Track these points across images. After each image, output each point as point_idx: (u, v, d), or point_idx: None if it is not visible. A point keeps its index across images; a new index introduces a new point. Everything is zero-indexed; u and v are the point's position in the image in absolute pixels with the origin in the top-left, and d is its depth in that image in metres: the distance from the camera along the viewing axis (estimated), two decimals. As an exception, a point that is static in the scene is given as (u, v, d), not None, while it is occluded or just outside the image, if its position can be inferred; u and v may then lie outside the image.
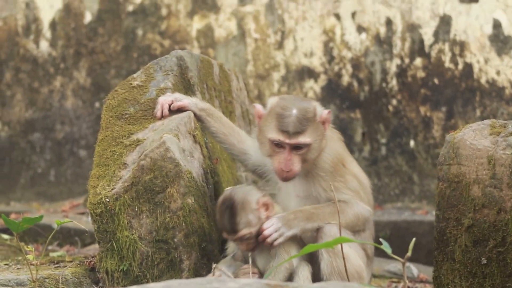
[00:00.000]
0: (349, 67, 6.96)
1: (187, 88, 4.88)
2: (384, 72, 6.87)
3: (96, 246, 5.22)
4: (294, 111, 4.41)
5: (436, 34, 6.73)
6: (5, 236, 5.92)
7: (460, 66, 6.70)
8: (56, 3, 7.58)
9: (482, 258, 4.34)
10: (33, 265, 4.58)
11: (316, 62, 7.04)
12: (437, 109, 6.76)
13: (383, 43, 6.87)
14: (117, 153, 4.59)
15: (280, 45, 7.12)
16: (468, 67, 6.67)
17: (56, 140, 7.59)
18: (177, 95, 4.71)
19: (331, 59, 7.00)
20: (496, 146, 4.34)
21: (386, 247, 3.31)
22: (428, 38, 6.75)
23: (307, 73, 7.06)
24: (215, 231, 4.61)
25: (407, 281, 5.10)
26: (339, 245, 4.20)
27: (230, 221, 4.33)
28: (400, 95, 6.85)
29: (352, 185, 4.56)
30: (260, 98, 7.07)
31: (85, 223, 6.07)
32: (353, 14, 6.93)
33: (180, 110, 4.68)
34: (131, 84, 4.84)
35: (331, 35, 6.99)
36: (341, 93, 6.99)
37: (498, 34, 6.57)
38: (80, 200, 7.31)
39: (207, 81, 5.07)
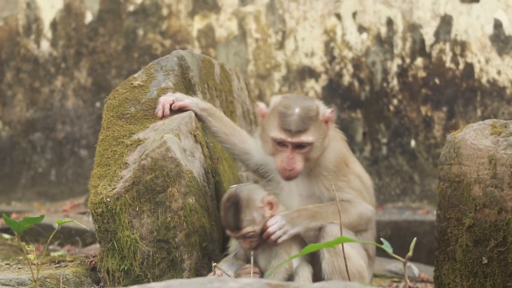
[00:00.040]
0: (350, 67, 6.96)
1: (188, 88, 4.87)
2: (385, 72, 6.87)
3: (97, 245, 5.23)
4: (297, 110, 4.40)
5: (437, 34, 6.73)
6: (6, 236, 5.92)
7: (461, 66, 6.69)
8: (57, 3, 7.58)
9: (483, 258, 4.34)
10: (34, 264, 4.57)
11: (317, 62, 7.04)
12: (438, 109, 6.75)
13: (384, 43, 6.86)
14: (118, 153, 4.59)
15: (281, 45, 7.12)
16: (469, 67, 6.67)
17: (57, 140, 7.59)
18: (178, 95, 4.70)
19: (332, 59, 7.00)
20: (497, 146, 4.34)
21: (387, 246, 3.30)
22: (429, 38, 6.75)
23: (308, 73, 7.06)
24: (216, 231, 4.61)
25: (408, 281, 5.10)
26: (340, 244, 4.20)
27: (234, 218, 4.34)
28: (401, 95, 6.85)
29: (355, 184, 4.56)
30: (261, 98, 7.07)
31: (86, 223, 6.07)
32: (354, 14, 6.93)
33: (181, 110, 4.67)
34: (132, 84, 4.83)
35: (332, 35, 6.99)
36: (342, 93, 6.99)
37: (499, 34, 6.57)
38: (81, 200, 7.31)
39: (208, 81, 5.07)
